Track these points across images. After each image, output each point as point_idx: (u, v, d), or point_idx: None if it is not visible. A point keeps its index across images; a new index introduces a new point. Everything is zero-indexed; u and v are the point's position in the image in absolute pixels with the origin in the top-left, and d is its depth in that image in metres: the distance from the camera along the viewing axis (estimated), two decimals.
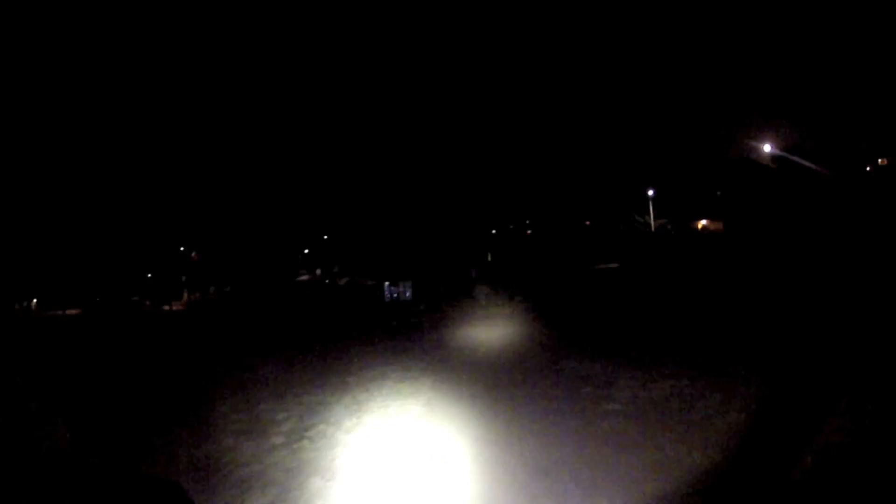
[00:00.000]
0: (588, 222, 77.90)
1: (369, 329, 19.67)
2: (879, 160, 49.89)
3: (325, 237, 79.73)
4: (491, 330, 17.30)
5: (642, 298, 21.33)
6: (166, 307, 55.71)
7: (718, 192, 62.10)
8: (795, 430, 6.44)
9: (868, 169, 49.29)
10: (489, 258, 75.02)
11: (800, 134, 51.49)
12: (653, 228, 60.42)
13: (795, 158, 49.62)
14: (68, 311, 57.86)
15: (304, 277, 77.38)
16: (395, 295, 23.43)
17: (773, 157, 50.07)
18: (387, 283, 23.58)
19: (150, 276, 64.03)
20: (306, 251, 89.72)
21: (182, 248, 62.63)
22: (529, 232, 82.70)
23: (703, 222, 61.93)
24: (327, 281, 63.38)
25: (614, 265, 48.68)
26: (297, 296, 47.75)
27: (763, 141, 51.65)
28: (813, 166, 48.42)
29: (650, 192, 59.08)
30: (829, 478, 5.25)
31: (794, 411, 7.21)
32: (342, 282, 56.00)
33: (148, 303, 62.72)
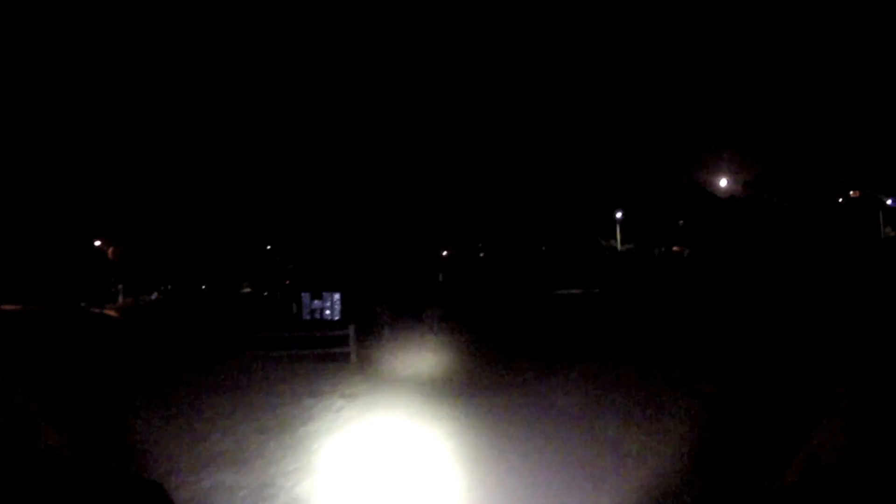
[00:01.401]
0: (544, 247, 73.11)
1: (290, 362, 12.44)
2: (851, 192, 47.84)
3: (269, 247, 71.67)
4: (465, 370, 10.40)
5: (650, 330, 16.15)
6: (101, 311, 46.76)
7: (681, 221, 58.86)
8: (786, 435, 6.13)
9: (840, 200, 47.18)
10: (440, 278, 69.24)
11: (765, 167, 48.14)
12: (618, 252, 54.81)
13: (754, 191, 46.54)
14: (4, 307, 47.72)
15: (248, 290, 70.03)
16: (319, 312, 16.23)
17: (745, 185, 45.90)
18: (306, 295, 16.32)
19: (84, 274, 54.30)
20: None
21: (98, 243, 52.12)
22: (482, 255, 77.89)
23: (674, 248, 56.87)
24: (266, 294, 55.63)
25: (577, 290, 44.73)
26: (228, 311, 39.54)
27: (721, 174, 47.77)
28: (772, 199, 45.55)
29: (618, 215, 53.09)
30: (818, 482, 4.98)
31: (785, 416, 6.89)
32: (278, 295, 48.09)
33: (83, 304, 53.44)
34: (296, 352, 13.87)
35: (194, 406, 8.29)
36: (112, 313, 46.18)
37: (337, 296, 16.35)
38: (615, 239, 54.82)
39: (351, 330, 13.54)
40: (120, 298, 59.33)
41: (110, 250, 50.49)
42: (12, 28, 40.51)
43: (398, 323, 21.67)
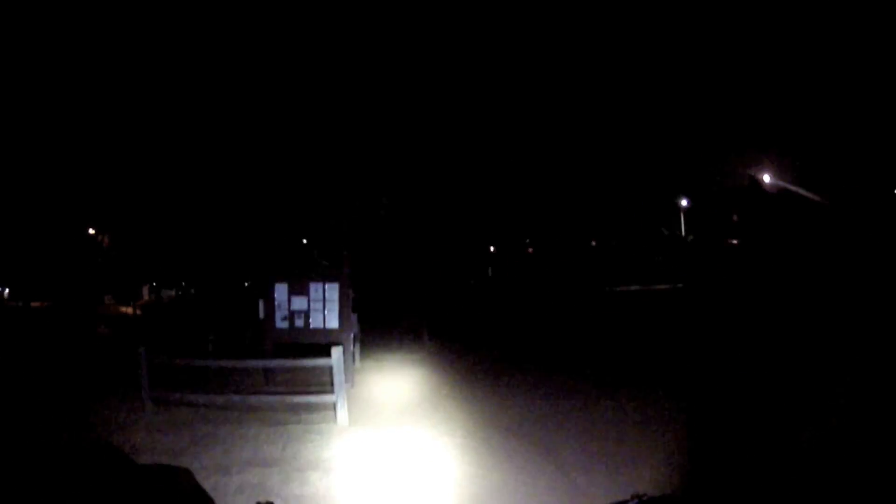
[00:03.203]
0: (594, 242, 66.23)
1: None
2: None
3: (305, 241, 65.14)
4: None
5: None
6: (127, 309, 41.09)
7: (735, 216, 52.65)
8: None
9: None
10: (490, 273, 62.73)
11: (813, 160, 41.53)
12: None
13: (794, 188, 40.37)
14: (32, 304, 42.82)
15: None
16: (302, 316, 9.19)
17: (795, 181, 38.65)
18: (280, 287, 9.28)
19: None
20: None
21: (92, 231, 45.19)
22: (531, 250, 71.43)
23: (733, 241, 49.27)
24: None
25: (636, 287, 37.97)
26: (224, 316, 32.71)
27: (764, 170, 41.10)
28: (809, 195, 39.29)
29: (684, 203, 45.21)
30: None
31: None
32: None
33: (109, 301, 47.86)
34: (224, 398, 6.94)
35: None
36: (129, 311, 40.51)
37: (335, 288, 9.30)
38: (679, 229, 46.85)
39: (336, 356, 6.29)
40: (145, 294, 54.48)
41: (104, 238, 44.08)
42: (11, 23, 34.87)
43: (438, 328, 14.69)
